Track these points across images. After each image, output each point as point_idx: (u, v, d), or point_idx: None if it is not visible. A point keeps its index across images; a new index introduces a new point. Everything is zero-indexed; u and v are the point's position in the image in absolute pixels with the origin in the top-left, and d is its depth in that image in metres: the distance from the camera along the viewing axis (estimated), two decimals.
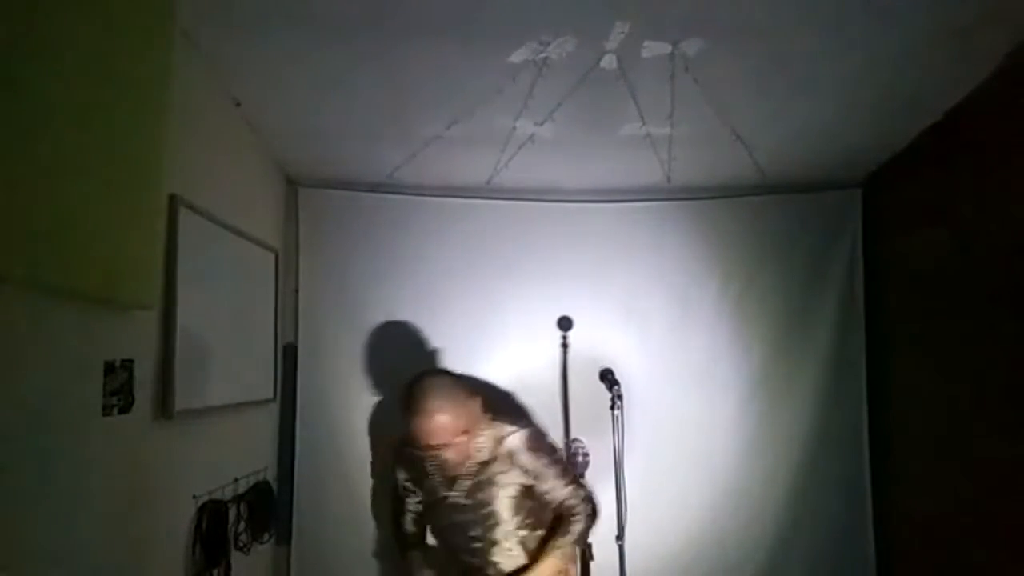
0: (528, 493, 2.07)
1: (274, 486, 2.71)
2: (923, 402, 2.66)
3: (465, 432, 1.88)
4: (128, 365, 1.59)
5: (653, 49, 1.96)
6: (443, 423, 1.84)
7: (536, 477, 2.04)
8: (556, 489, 2.07)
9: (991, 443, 2.23)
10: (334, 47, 1.95)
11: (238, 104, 2.27)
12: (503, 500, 2.05)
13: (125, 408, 1.58)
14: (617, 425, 1.86)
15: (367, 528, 2.86)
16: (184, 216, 1.83)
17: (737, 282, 3.01)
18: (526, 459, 2.03)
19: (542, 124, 2.39)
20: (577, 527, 2.08)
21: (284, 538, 2.82)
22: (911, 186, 2.71)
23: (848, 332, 2.95)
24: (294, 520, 2.84)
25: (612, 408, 1.89)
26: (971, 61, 2.08)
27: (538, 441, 2.07)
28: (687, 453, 2.92)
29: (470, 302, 2.95)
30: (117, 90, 1.43)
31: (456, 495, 2.07)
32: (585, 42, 1.93)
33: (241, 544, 2.28)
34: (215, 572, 2.02)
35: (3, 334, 1.20)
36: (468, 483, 2.05)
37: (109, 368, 1.52)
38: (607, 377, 1.98)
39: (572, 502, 2.09)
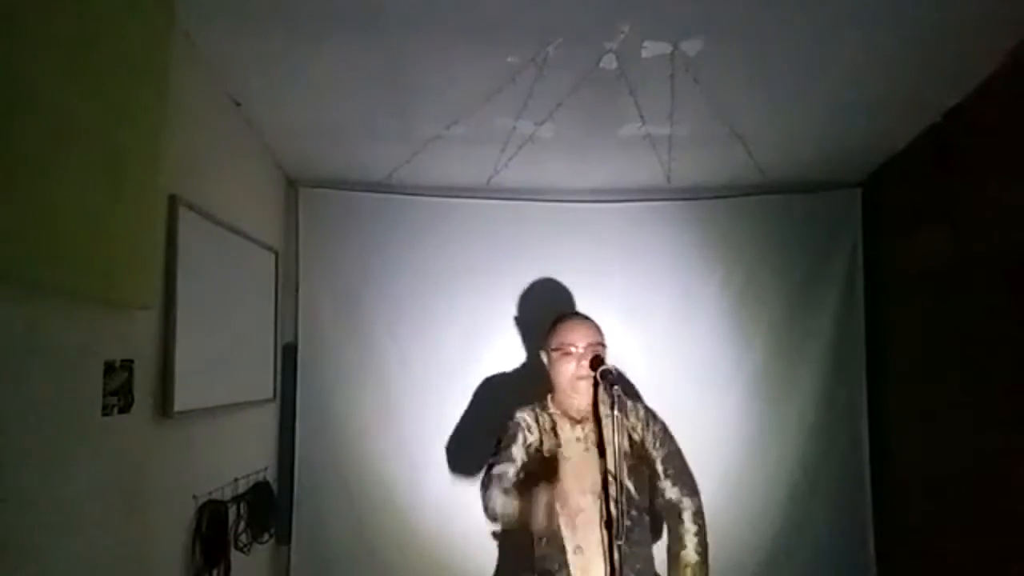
0: (628, 456, 2.00)
1: (274, 486, 2.71)
2: (923, 401, 2.66)
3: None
4: (128, 365, 1.59)
5: (653, 49, 1.96)
6: (593, 327, 2.03)
7: (649, 439, 2.04)
8: (662, 460, 2.03)
9: (991, 443, 2.23)
10: (334, 47, 1.96)
11: (238, 104, 2.27)
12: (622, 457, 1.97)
13: (125, 408, 1.58)
14: (617, 425, 1.86)
15: (367, 527, 2.86)
16: (184, 216, 1.83)
17: (737, 282, 3.01)
18: (641, 417, 2.07)
19: (542, 124, 2.39)
20: (692, 539, 1.96)
21: (284, 538, 2.82)
22: (911, 186, 2.71)
23: (848, 331, 2.95)
24: (294, 520, 2.84)
25: (612, 408, 1.89)
26: (971, 61, 2.09)
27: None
28: (688, 454, 2.90)
29: (470, 302, 2.96)
30: (117, 90, 1.43)
31: (576, 450, 2.01)
32: (585, 42, 1.93)
33: (241, 544, 2.28)
34: (215, 572, 2.02)
35: (3, 334, 1.20)
36: (588, 431, 2.01)
37: (109, 368, 1.51)
38: (607, 377, 1.97)
39: (675, 494, 2.01)
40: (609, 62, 2.01)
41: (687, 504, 2.02)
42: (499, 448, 2.02)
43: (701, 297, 3.00)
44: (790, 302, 2.98)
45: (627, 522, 1.89)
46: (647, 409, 2.12)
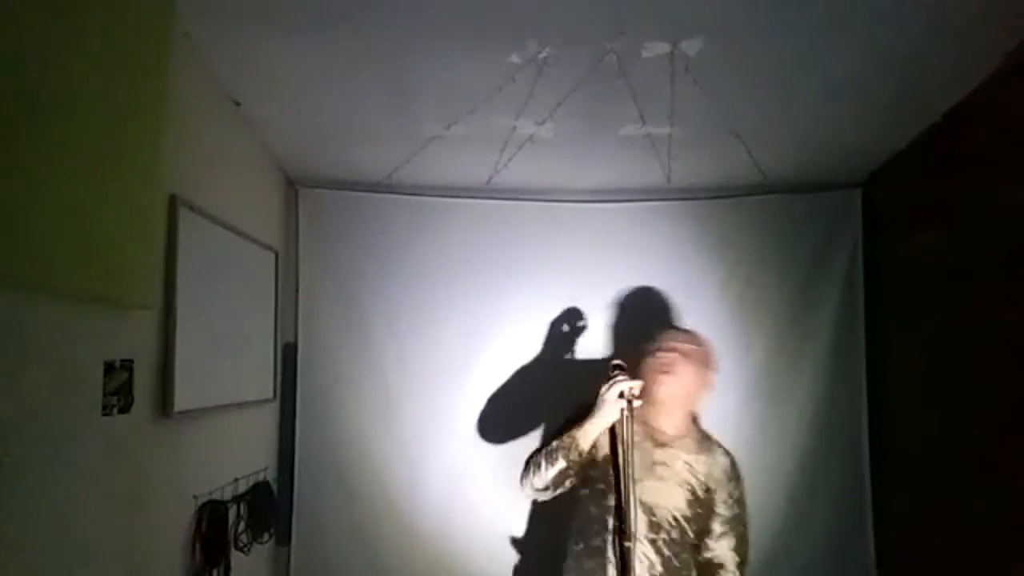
0: (697, 503, 1.95)
1: (274, 486, 2.71)
2: (923, 402, 2.66)
3: (692, 388, 1.96)
4: (128, 365, 1.59)
5: (653, 49, 1.96)
6: (679, 334, 2.04)
7: (721, 496, 1.96)
8: (723, 521, 1.95)
9: (992, 443, 2.23)
10: (334, 47, 1.96)
11: (238, 104, 2.27)
12: (675, 486, 1.94)
13: (125, 408, 1.58)
14: (627, 422, 1.83)
15: (367, 527, 2.86)
16: (184, 216, 1.83)
17: (737, 282, 3.01)
18: (726, 470, 2.00)
19: (542, 124, 2.39)
20: None
21: (284, 538, 2.82)
22: (911, 186, 2.71)
23: (848, 332, 2.94)
24: (294, 520, 2.84)
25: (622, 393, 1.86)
26: (971, 61, 2.08)
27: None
28: None
29: (470, 302, 2.96)
30: (117, 90, 1.43)
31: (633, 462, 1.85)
32: (585, 42, 1.93)
33: (241, 544, 2.28)
34: (215, 572, 2.02)
35: (3, 334, 1.20)
36: (654, 451, 1.96)
37: (109, 368, 1.52)
38: (618, 368, 1.94)
39: (725, 556, 1.95)
40: (609, 62, 2.01)
41: (730, 565, 1.95)
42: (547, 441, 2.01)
43: (701, 297, 3.00)
44: (790, 302, 2.98)
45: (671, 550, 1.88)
46: (733, 464, 2.04)
